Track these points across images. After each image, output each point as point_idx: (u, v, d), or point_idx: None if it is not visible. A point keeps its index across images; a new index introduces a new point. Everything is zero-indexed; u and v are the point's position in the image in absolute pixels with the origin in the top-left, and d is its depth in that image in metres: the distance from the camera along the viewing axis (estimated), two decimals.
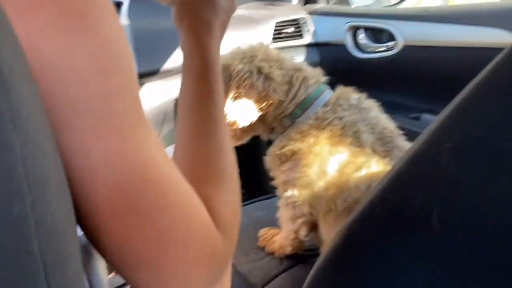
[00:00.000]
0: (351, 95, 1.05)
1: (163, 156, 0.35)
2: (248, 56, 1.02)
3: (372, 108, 1.05)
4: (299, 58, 1.80)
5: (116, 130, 0.30)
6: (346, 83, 1.77)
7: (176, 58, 1.54)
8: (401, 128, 1.38)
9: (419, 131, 1.27)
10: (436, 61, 1.40)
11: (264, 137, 1.13)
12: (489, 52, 1.25)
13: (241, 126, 1.02)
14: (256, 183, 2.11)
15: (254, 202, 1.42)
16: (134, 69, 0.33)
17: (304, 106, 1.02)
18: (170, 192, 0.35)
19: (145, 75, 1.50)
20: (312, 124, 0.99)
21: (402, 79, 1.56)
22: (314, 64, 1.83)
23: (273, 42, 1.74)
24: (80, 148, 0.29)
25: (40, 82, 0.26)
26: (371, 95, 1.68)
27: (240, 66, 0.99)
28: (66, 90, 0.27)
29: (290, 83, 1.02)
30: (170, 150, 0.56)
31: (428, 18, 1.40)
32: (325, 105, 1.01)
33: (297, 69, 1.05)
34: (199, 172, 0.50)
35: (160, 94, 1.53)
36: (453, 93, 1.28)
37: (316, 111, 1.00)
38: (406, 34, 1.47)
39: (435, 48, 1.38)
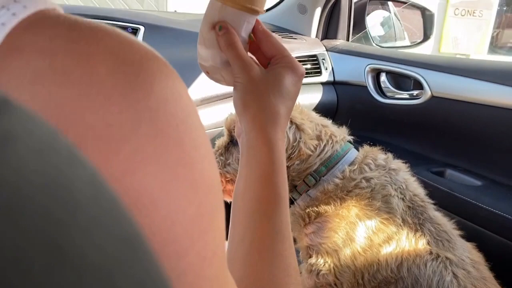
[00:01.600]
0: (378, 154, 1.00)
1: None
2: None
3: (401, 169, 0.99)
4: (317, 95, 1.74)
5: None
6: (365, 126, 1.73)
7: (192, 92, 1.47)
8: (425, 184, 1.33)
9: (445, 189, 1.22)
10: (465, 116, 1.35)
11: None
12: None
13: None
14: None
15: None
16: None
17: (330, 163, 0.96)
18: None
19: None
20: (338, 184, 0.94)
21: (426, 130, 1.50)
22: (331, 103, 1.79)
23: None
24: None
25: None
26: (391, 142, 1.63)
27: None
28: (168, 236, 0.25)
29: (319, 138, 0.96)
30: None
31: (458, 71, 1.34)
32: (352, 163, 0.96)
33: (324, 125, 0.99)
34: None
35: None
36: (480, 151, 1.22)
37: (343, 169, 0.94)
38: (434, 85, 1.41)
39: (465, 103, 1.32)
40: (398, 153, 1.57)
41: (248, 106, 0.54)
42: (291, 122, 0.93)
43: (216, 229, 0.28)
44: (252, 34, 0.60)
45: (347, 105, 1.74)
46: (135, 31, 1.43)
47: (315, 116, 1.02)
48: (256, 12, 0.59)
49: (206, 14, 0.58)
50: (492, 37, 8.73)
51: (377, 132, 1.67)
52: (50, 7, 0.28)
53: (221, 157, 1.01)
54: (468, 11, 7.89)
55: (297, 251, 1.07)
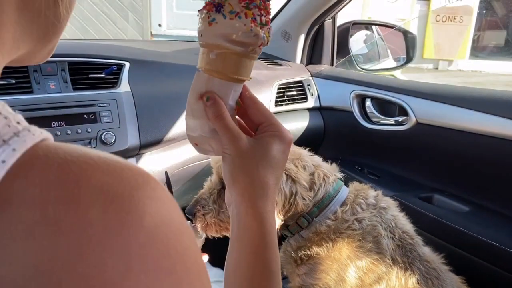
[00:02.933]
0: (369, 192, 1.00)
1: None
2: None
3: (391, 207, 1.00)
4: (303, 121, 1.75)
5: None
6: (352, 151, 1.75)
7: (179, 126, 1.47)
8: (413, 210, 1.34)
9: (432, 215, 1.23)
10: (450, 143, 1.37)
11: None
12: (505, 143, 1.24)
13: None
14: None
15: None
16: None
17: (322, 204, 0.96)
18: None
19: (147, 146, 1.42)
20: (330, 226, 0.94)
21: (413, 155, 1.52)
22: (318, 129, 1.81)
23: (276, 105, 1.69)
24: None
25: None
26: (379, 167, 1.65)
27: None
28: None
29: (312, 182, 0.96)
30: None
31: (442, 98, 1.37)
32: (344, 204, 0.96)
33: (316, 166, 0.99)
34: None
35: (160, 162, 1.45)
36: (466, 176, 1.24)
37: (335, 210, 0.95)
38: (419, 111, 1.43)
39: (449, 130, 1.35)
40: (386, 178, 1.59)
41: (237, 180, 0.54)
42: (287, 175, 0.92)
43: None
44: (239, 100, 0.61)
45: (333, 130, 1.75)
46: (120, 67, 1.43)
47: (306, 154, 1.01)
48: (242, 81, 0.59)
49: (193, 84, 0.59)
50: (473, 41, 8.89)
51: (364, 157, 1.69)
52: (38, 140, 0.28)
53: (214, 205, 0.99)
54: (449, 17, 8.03)
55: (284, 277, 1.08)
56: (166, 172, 1.07)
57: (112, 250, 0.25)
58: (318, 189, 0.96)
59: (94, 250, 0.25)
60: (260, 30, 0.56)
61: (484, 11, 9.03)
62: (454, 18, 8.09)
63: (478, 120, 1.28)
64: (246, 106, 0.61)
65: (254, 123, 0.60)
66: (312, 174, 0.97)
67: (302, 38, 1.82)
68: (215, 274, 1.83)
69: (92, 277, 0.24)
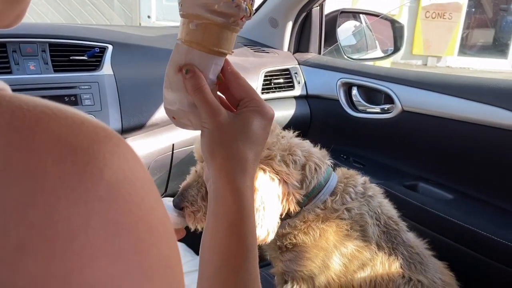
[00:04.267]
0: (358, 180, 0.99)
1: None
2: (265, 154, 0.89)
3: (377, 195, 0.99)
4: (290, 109, 1.73)
5: None
6: (338, 139, 1.74)
7: (163, 111, 1.44)
8: (397, 198, 1.34)
9: (417, 203, 1.23)
10: (435, 130, 1.36)
11: None
12: (489, 130, 1.24)
13: (267, 240, 0.91)
14: None
15: None
16: None
17: (312, 194, 0.94)
18: None
19: (129, 130, 1.39)
20: (319, 215, 0.92)
21: (398, 143, 1.51)
22: (304, 117, 1.79)
23: (262, 93, 1.67)
24: None
25: None
26: (365, 155, 1.65)
27: (259, 174, 0.86)
28: None
29: (304, 176, 0.93)
30: None
31: (428, 86, 1.36)
32: (333, 193, 0.95)
33: (307, 156, 0.95)
34: None
35: (144, 147, 1.43)
36: (451, 164, 1.24)
37: (325, 200, 0.93)
38: (405, 99, 1.42)
39: (435, 117, 1.34)
40: (371, 167, 1.59)
41: (215, 154, 0.53)
42: (279, 179, 0.88)
43: None
44: (221, 75, 0.59)
45: (320, 119, 1.74)
46: (103, 50, 1.40)
47: (296, 144, 0.96)
48: (223, 54, 0.57)
49: (172, 56, 0.57)
50: (462, 38, 8.96)
51: (350, 145, 1.68)
52: None
53: (203, 203, 0.95)
54: (438, 13, 8.07)
55: (273, 276, 1.06)
56: (173, 144, 1.04)
57: (68, 201, 0.23)
58: (310, 182, 0.94)
59: (48, 200, 0.23)
60: (242, 1, 0.54)
61: (473, 9, 9.09)
62: (444, 15, 8.14)
63: (463, 107, 1.27)
64: (227, 81, 0.59)
65: (236, 99, 0.59)
66: (303, 167, 0.93)
67: (289, 25, 1.80)
68: (198, 263, 1.82)
69: (45, 227, 0.22)
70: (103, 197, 0.24)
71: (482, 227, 1.15)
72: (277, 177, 0.87)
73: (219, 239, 0.49)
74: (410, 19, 8.24)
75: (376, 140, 1.59)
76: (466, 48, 9.08)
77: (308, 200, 0.94)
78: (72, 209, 0.23)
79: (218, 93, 0.60)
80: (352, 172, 1.01)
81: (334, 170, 1.02)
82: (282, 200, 0.88)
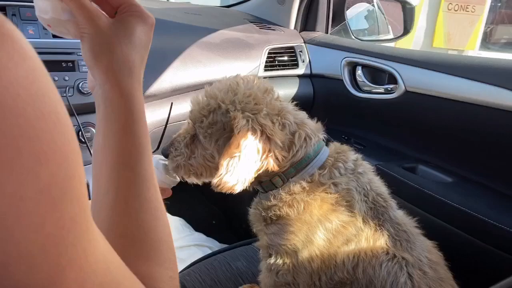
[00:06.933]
0: (349, 156, 0.95)
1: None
2: (252, 105, 0.88)
3: (368, 172, 0.95)
4: (293, 88, 1.71)
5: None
6: (340, 120, 1.70)
7: (161, 82, 1.43)
8: (395, 180, 1.31)
9: (415, 185, 1.20)
10: (438, 112, 1.32)
11: (248, 187, 1.01)
12: (492, 111, 1.19)
13: (234, 188, 0.90)
14: (237, 225, 2.02)
15: (234, 248, 1.32)
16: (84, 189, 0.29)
17: (300, 165, 0.92)
18: None
19: None
20: (305, 188, 0.90)
21: (399, 125, 1.48)
22: (307, 96, 1.76)
23: (265, 70, 1.64)
24: None
25: None
26: (366, 137, 1.61)
27: (242, 122, 0.85)
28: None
29: (291, 143, 0.91)
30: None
31: (433, 66, 1.32)
32: (322, 167, 0.92)
33: (299, 124, 0.93)
34: (136, 248, 0.44)
35: None
36: (452, 148, 1.20)
37: (313, 173, 0.91)
38: (408, 79, 1.38)
39: (438, 98, 1.30)
40: (372, 148, 1.55)
41: (99, 58, 0.51)
42: (261, 131, 0.86)
43: (73, 197, 0.28)
44: None
45: (323, 99, 1.71)
46: None
47: (289, 110, 0.94)
48: None
49: None
50: (485, 33, 8.72)
51: (352, 126, 1.65)
52: None
53: (186, 149, 0.96)
54: (461, 6, 7.86)
55: (258, 249, 1.04)
56: (171, 103, 1.05)
57: None
58: (298, 150, 0.91)
59: None
60: None
61: (499, 4, 8.84)
62: (467, 8, 7.92)
63: (467, 88, 1.23)
64: None
65: (113, 8, 0.57)
66: (293, 133, 0.91)
67: (296, 2, 1.77)
68: (196, 238, 1.82)
69: None
70: None
71: (478, 211, 1.11)
72: (260, 129, 0.85)
73: (112, 140, 0.49)
74: (431, 11, 8.05)
75: (378, 121, 1.55)
76: (489, 43, 8.84)
77: (296, 172, 0.92)
78: None
79: (94, 4, 0.57)
80: (345, 147, 0.98)
81: (327, 145, 0.99)
82: (261, 156, 0.86)
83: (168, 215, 1.87)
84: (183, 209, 1.95)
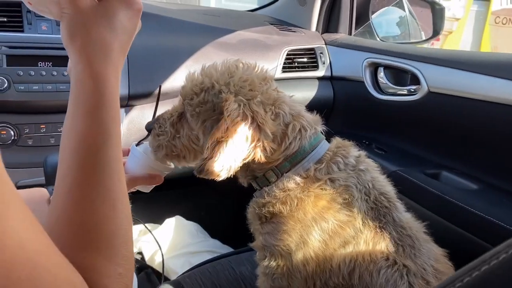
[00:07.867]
0: (350, 151, 0.88)
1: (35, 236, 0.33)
2: (246, 90, 0.83)
3: (371, 170, 0.87)
4: (311, 91, 1.64)
5: None
6: (361, 124, 1.62)
7: (173, 81, 1.41)
8: (415, 186, 1.21)
9: (438, 193, 1.09)
10: (463, 113, 1.21)
11: (244, 183, 0.96)
12: None
13: (219, 176, 0.85)
14: (243, 232, 1.95)
15: (241, 252, 1.26)
16: None
17: (295, 159, 0.85)
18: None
19: (136, 97, 1.37)
20: (299, 183, 0.83)
21: (422, 128, 1.37)
22: (327, 100, 1.69)
23: (283, 71, 1.59)
24: None
25: None
26: (387, 142, 1.51)
27: (234, 106, 0.80)
28: None
29: (284, 134, 0.85)
30: None
31: (458, 64, 1.21)
32: (319, 161, 0.85)
33: (295, 115, 0.87)
34: (84, 238, 0.43)
35: (151, 116, 1.40)
36: (479, 153, 1.08)
37: (308, 168, 0.84)
38: (431, 79, 1.29)
39: (463, 99, 1.19)
40: (394, 153, 1.45)
41: (75, 37, 0.50)
42: (252, 118, 0.81)
43: None
44: None
45: (343, 102, 1.64)
46: None
47: (285, 100, 0.88)
48: None
49: None
50: None
51: (373, 130, 1.55)
52: None
53: (171, 128, 0.90)
54: (509, 19, 7.53)
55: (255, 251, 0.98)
56: (160, 86, 1.01)
57: None
58: (291, 143, 0.85)
59: None
60: None
61: None
62: None
63: (497, 87, 1.12)
64: None
65: None
66: (287, 125, 0.85)
67: (318, 4, 1.72)
68: (210, 245, 1.77)
69: None
70: None
71: (505, 220, 1.00)
72: (251, 115, 0.79)
73: (77, 123, 0.47)
74: (477, 24, 7.75)
75: (400, 124, 1.45)
76: None
77: (290, 167, 0.85)
78: None
79: None
80: (347, 142, 0.90)
81: (329, 140, 0.92)
82: (250, 145, 0.80)
83: (183, 219, 1.83)
84: (202, 215, 1.91)
